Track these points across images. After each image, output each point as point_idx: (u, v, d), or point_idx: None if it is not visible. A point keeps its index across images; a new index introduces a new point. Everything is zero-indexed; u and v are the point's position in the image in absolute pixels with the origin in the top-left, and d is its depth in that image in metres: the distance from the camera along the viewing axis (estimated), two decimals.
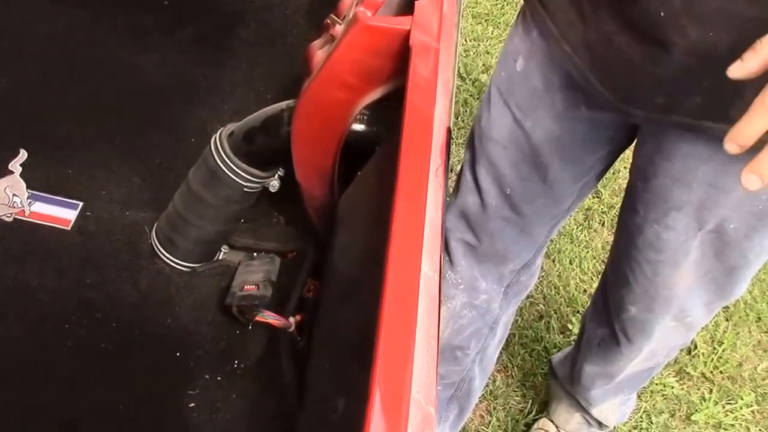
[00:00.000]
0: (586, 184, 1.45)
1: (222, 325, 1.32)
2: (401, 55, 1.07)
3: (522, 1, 1.35)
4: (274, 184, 1.32)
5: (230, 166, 1.27)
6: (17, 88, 1.61)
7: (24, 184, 1.44)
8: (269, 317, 1.24)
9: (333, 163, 1.22)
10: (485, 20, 3.26)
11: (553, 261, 2.48)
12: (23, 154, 1.48)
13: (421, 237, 0.82)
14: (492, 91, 1.39)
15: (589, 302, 1.88)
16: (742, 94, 1.04)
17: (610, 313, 1.63)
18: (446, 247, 1.54)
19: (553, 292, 2.42)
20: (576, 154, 1.36)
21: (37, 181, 1.45)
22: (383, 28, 1.07)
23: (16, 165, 1.47)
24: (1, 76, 1.62)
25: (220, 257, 1.41)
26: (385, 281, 0.76)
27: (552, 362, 2.09)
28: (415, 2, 1.10)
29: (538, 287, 2.41)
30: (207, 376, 1.26)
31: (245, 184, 1.28)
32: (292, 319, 1.25)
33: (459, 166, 1.53)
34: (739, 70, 0.82)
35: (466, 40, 3.16)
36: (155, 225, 1.39)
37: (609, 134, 1.33)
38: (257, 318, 1.25)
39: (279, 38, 1.75)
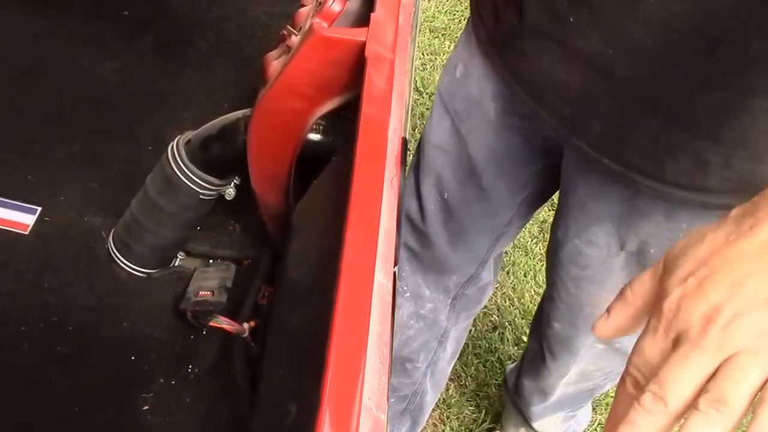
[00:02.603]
0: (526, 200, 1.45)
1: (177, 330, 1.33)
2: (356, 66, 1.10)
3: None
4: (230, 192, 1.34)
5: (186, 173, 1.28)
6: None
7: None
8: (223, 322, 1.25)
9: (288, 172, 1.24)
10: (442, 34, 3.31)
11: (508, 273, 2.52)
12: None
13: (374, 246, 0.84)
14: (436, 96, 1.43)
15: None
16: (632, 139, 1.07)
17: (540, 328, 1.66)
18: None
19: (508, 303, 2.45)
20: (510, 165, 1.37)
21: None
22: (339, 39, 1.10)
23: None
24: None
25: (177, 264, 1.42)
26: (338, 288, 0.78)
27: (505, 371, 2.12)
28: (371, 14, 1.13)
29: (492, 299, 2.44)
30: (161, 380, 1.27)
31: (201, 191, 1.30)
32: (246, 325, 1.27)
33: None
34: (604, 329, 0.66)
35: (423, 54, 3.20)
36: (112, 231, 1.40)
37: (543, 146, 1.34)
38: (211, 323, 1.26)
39: (236, 48, 1.77)
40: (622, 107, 1.06)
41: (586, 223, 1.29)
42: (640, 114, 1.05)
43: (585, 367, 1.62)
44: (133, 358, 1.29)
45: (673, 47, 0.97)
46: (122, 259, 1.38)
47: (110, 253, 1.39)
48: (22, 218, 1.43)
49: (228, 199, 1.35)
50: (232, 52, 1.78)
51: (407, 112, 1.70)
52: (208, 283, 1.34)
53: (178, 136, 1.32)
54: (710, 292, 0.55)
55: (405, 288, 1.59)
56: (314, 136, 1.22)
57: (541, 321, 1.64)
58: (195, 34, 1.79)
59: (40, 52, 1.70)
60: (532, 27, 1.11)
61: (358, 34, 1.09)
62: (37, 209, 1.44)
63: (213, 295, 1.30)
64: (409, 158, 1.56)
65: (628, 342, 1.49)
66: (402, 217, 1.50)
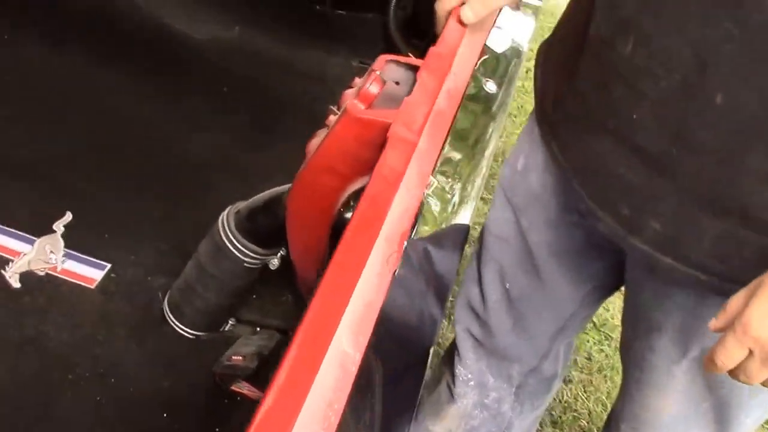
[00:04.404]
0: (591, 293, 1.42)
1: (212, 393, 1.37)
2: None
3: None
4: (274, 263, 1.38)
5: (233, 241, 1.33)
6: (79, 155, 1.74)
7: (62, 243, 1.55)
8: (244, 387, 1.28)
9: (324, 246, 1.27)
10: None
11: (605, 377, 2.43)
12: (68, 216, 1.60)
13: (341, 312, 0.84)
14: (497, 187, 1.42)
15: None
16: (695, 239, 1.02)
17: (608, 426, 1.60)
18: (454, 339, 1.56)
19: (600, 408, 2.37)
20: (572, 260, 1.35)
21: (75, 240, 1.56)
22: (368, 120, 1.12)
23: (59, 225, 1.59)
24: (65, 142, 1.76)
25: (226, 329, 1.47)
26: (289, 347, 0.79)
27: None
28: (405, 98, 1.15)
29: (584, 402, 2.37)
30: None
31: (246, 259, 1.35)
32: None
33: None
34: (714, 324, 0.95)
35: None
36: (168, 292, 1.46)
37: (606, 244, 1.31)
38: (233, 387, 1.29)
39: (323, 128, 1.83)
40: (685, 207, 1.02)
41: (647, 329, 1.25)
42: (704, 213, 1.01)
43: None
44: (165, 415, 1.34)
45: (740, 149, 0.93)
46: (174, 320, 1.44)
47: (164, 314, 1.45)
48: (91, 273, 1.52)
49: (272, 269, 1.39)
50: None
51: (473, 199, 1.70)
52: (245, 349, 1.38)
53: (230, 206, 1.37)
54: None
55: (469, 376, 1.58)
56: (348, 214, 1.25)
57: (610, 419, 1.59)
58: (287, 112, 1.87)
59: (139, 119, 1.82)
60: (594, 121, 1.09)
61: (389, 116, 1.11)
62: (106, 266, 1.53)
63: (244, 360, 1.34)
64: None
65: None
66: (461, 301, 1.51)
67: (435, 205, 1.49)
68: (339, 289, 0.87)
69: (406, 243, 1.29)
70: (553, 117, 1.22)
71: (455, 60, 1.25)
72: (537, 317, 1.46)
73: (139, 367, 1.39)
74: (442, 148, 1.36)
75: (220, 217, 1.37)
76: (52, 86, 1.89)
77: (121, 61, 1.94)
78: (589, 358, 2.48)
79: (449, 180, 1.56)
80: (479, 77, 1.84)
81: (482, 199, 2.27)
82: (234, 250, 1.34)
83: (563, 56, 1.21)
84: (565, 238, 1.32)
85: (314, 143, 1.26)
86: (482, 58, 1.91)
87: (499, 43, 1.98)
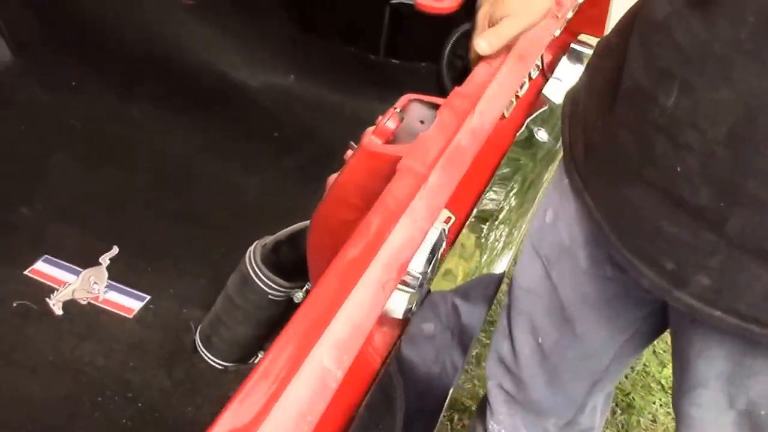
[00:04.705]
0: (628, 342, 1.38)
1: None
2: None
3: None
4: (299, 296, 1.40)
5: (258, 273, 1.37)
6: (131, 193, 1.82)
7: (106, 275, 1.62)
8: None
9: None
10: None
11: None
12: (115, 250, 1.67)
13: (322, 327, 0.85)
14: (525, 240, 1.40)
15: None
16: (746, 291, 0.99)
17: None
18: (487, 394, 1.55)
19: None
20: (606, 311, 1.31)
21: (119, 272, 1.63)
22: (381, 154, 1.14)
23: (105, 258, 1.66)
24: (120, 180, 1.85)
25: (256, 361, 1.49)
26: (265, 356, 0.81)
27: None
28: (420, 133, 1.16)
29: None
30: None
31: (270, 291, 1.38)
32: None
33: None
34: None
35: None
36: (200, 324, 1.50)
37: (642, 295, 1.30)
38: None
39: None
40: (735, 260, 0.97)
41: (692, 383, 1.21)
42: (755, 265, 0.97)
43: None
44: None
45: None
46: (204, 350, 1.48)
47: (195, 344, 1.49)
48: (130, 303, 1.58)
49: (296, 302, 1.41)
50: None
51: (516, 245, 1.70)
52: None
53: (257, 240, 1.41)
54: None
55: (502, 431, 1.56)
56: None
57: None
58: (335, 157, 1.89)
59: (194, 161, 1.89)
60: (630, 172, 1.04)
61: (402, 150, 1.13)
62: (145, 297, 1.59)
63: None
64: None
65: None
66: (492, 356, 1.50)
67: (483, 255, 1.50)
68: (325, 304, 0.87)
69: (436, 296, 1.30)
70: (584, 168, 1.19)
71: (482, 99, 1.26)
72: (572, 371, 1.42)
73: (166, 394, 1.43)
74: (485, 190, 1.37)
75: (248, 250, 1.40)
76: (112, 129, 1.99)
77: (178, 104, 2.03)
78: (654, 421, 2.42)
79: (498, 225, 1.56)
80: (531, 125, 1.85)
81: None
82: (258, 282, 1.37)
83: (593, 105, 1.19)
84: (598, 290, 1.29)
85: (333, 178, 1.29)
86: (541, 109, 1.93)
87: (557, 94, 1.99)
